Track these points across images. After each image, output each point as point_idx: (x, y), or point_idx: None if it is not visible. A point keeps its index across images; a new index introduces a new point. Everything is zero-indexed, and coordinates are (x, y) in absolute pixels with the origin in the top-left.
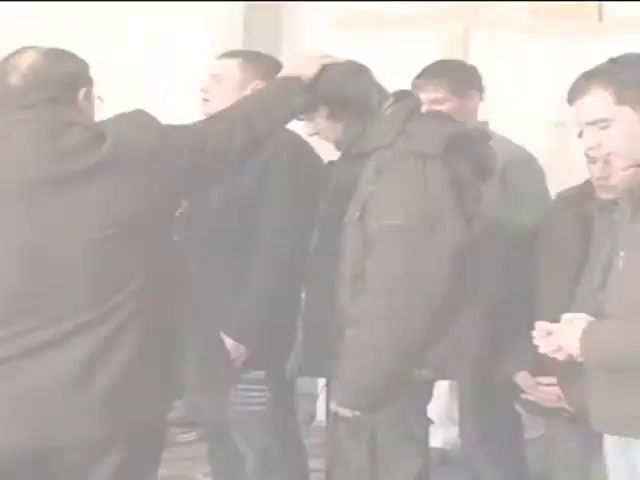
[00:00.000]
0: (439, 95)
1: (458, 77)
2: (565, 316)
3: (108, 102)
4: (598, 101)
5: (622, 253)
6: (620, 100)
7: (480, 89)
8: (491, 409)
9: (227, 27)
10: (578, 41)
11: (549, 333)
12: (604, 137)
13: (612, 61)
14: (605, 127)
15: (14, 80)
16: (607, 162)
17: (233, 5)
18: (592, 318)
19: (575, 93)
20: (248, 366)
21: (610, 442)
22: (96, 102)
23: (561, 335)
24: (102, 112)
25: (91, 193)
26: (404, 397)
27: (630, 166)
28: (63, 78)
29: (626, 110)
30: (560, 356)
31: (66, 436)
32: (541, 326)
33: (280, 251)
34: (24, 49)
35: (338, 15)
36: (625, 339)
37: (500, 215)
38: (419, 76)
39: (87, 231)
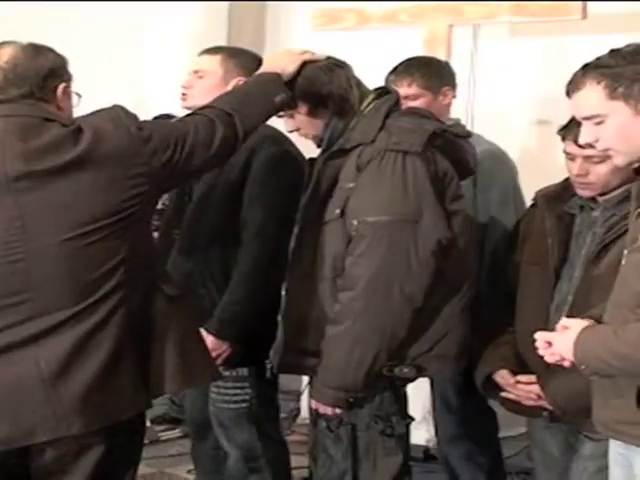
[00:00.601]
0: (412, 91)
1: (432, 73)
2: (562, 322)
3: (90, 98)
4: (592, 96)
5: (625, 251)
6: (613, 95)
7: (454, 85)
8: (467, 407)
9: (211, 26)
10: (561, 39)
11: (549, 343)
12: (600, 133)
13: (611, 53)
14: (600, 122)
15: None
16: (588, 159)
17: (217, 5)
18: (586, 323)
19: (572, 86)
20: (230, 363)
21: (613, 446)
22: (74, 98)
23: (559, 344)
24: (82, 108)
25: (68, 190)
26: (385, 394)
27: (630, 163)
28: (42, 73)
29: (619, 105)
30: (566, 364)
31: (46, 433)
32: (541, 337)
33: (263, 246)
34: (2, 44)
35: (321, 12)
36: (612, 346)
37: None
38: (393, 72)
39: (63, 228)
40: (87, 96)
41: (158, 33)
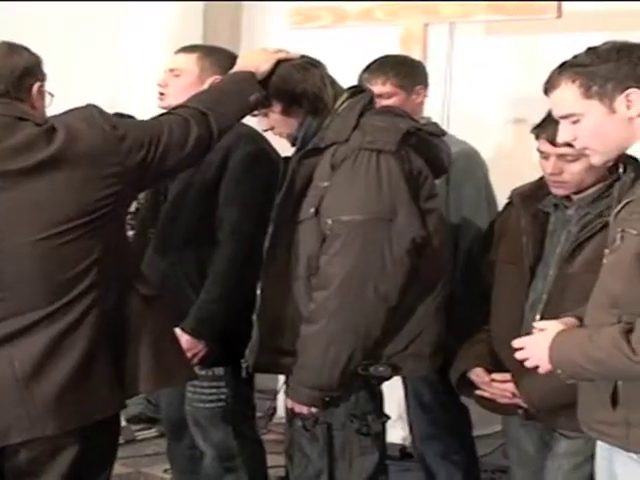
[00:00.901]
0: (386, 89)
1: (405, 72)
2: (536, 324)
3: (65, 98)
4: (567, 95)
5: (606, 251)
6: (588, 94)
7: (426, 84)
8: (440, 405)
9: (187, 26)
10: (537, 37)
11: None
12: (578, 131)
13: (587, 51)
14: (576, 121)
15: None
16: (562, 157)
17: (192, 4)
18: (561, 326)
19: (549, 85)
20: (206, 363)
21: (599, 451)
22: (47, 97)
23: (533, 349)
24: (57, 108)
25: (41, 189)
26: (360, 393)
27: (606, 162)
28: (17, 72)
29: (594, 104)
30: (542, 370)
31: (20, 434)
32: (516, 343)
33: (238, 245)
34: None
35: (297, 10)
36: (587, 351)
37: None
38: (366, 70)
39: (37, 228)
40: (62, 96)
41: (134, 33)
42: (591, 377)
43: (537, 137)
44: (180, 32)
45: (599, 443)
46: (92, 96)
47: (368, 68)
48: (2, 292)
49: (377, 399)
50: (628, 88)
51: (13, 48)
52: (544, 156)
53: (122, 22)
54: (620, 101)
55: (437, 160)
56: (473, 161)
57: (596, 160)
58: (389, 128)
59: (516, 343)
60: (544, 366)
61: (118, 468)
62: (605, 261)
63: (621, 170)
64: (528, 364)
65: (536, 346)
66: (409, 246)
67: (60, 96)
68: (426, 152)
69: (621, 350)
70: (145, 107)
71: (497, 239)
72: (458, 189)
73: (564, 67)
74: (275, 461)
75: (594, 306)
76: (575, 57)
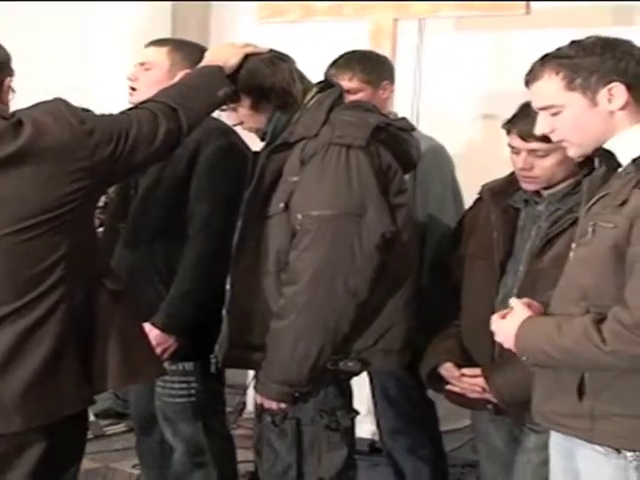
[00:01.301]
0: (353, 85)
1: (372, 67)
2: (511, 302)
3: (34, 98)
4: (550, 86)
5: (573, 245)
6: (570, 86)
7: (392, 80)
8: (406, 400)
9: (155, 25)
10: (506, 34)
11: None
12: (557, 123)
13: (571, 44)
14: (557, 113)
15: None
16: (533, 152)
17: (160, 4)
18: (529, 312)
19: (530, 76)
20: (176, 358)
21: (553, 436)
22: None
23: (500, 331)
24: (26, 100)
25: (7, 184)
26: (329, 388)
27: (583, 155)
28: None
29: (576, 97)
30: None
31: None
32: (493, 319)
33: (208, 240)
34: None
35: (266, 5)
36: (555, 339)
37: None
38: (333, 65)
39: (1, 224)
40: (30, 95)
41: (102, 33)
42: (556, 365)
43: (508, 132)
44: (148, 32)
45: (553, 437)
46: (59, 95)
47: (334, 63)
48: None
49: (346, 394)
50: (611, 82)
51: None
52: (515, 151)
53: (90, 22)
54: (603, 94)
55: (406, 155)
56: (440, 157)
57: (573, 152)
58: (358, 123)
59: (493, 320)
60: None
61: (86, 463)
62: (572, 254)
63: (596, 164)
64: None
65: (503, 332)
66: (379, 241)
67: (28, 97)
68: (395, 147)
69: (591, 339)
70: (113, 107)
71: (467, 234)
72: (425, 184)
73: (547, 59)
74: (244, 456)
75: (560, 299)
76: (558, 49)
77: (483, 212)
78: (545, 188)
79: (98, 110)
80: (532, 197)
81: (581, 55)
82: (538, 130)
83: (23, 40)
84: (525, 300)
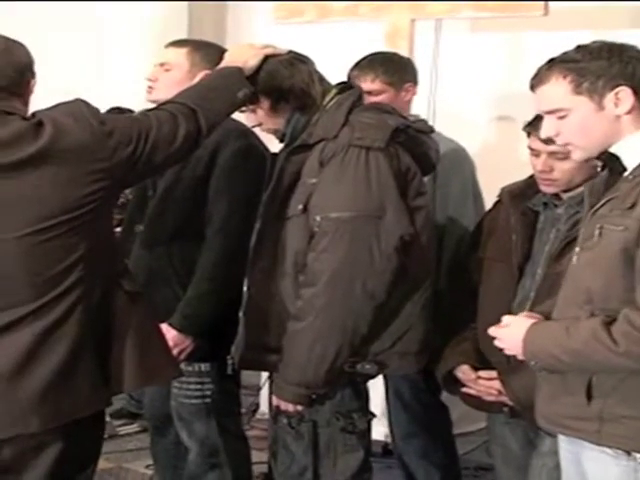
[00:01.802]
0: (376, 86)
1: (395, 69)
2: (505, 319)
3: (50, 100)
4: (557, 90)
5: (577, 249)
6: (578, 90)
7: (415, 82)
8: (420, 403)
9: (171, 26)
10: (523, 35)
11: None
12: (562, 127)
13: (578, 49)
14: (563, 117)
15: None
16: (553, 155)
17: (177, 4)
18: (532, 320)
19: (536, 80)
20: (192, 358)
21: (562, 443)
22: None
23: (507, 340)
24: (40, 102)
25: (27, 185)
26: (346, 391)
27: (588, 159)
28: (19, 67)
29: (583, 100)
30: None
31: (3, 431)
32: (491, 331)
33: (226, 241)
34: None
35: (282, 5)
36: (564, 342)
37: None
38: (355, 67)
39: (22, 224)
40: (45, 96)
41: (118, 34)
42: (565, 369)
43: (529, 135)
44: (164, 33)
45: (562, 439)
46: (74, 96)
47: (357, 65)
48: None
49: (363, 397)
50: (618, 86)
51: (14, 43)
52: (535, 154)
53: (106, 23)
54: (609, 98)
55: (425, 157)
56: (460, 159)
57: (577, 156)
58: (378, 125)
59: (491, 331)
60: (519, 357)
61: (100, 463)
62: (576, 258)
63: (599, 169)
64: (506, 352)
65: (510, 338)
66: (397, 243)
67: (44, 98)
68: (415, 149)
69: (601, 341)
70: (132, 105)
71: (486, 237)
72: (445, 187)
73: (554, 63)
74: (258, 457)
75: (564, 302)
76: (564, 54)
77: (502, 215)
78: (564, 191)
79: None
80: (551, 200)
81: (588, 59)
82: (544, 134)
83: (38, 41)
84: (524, 313)
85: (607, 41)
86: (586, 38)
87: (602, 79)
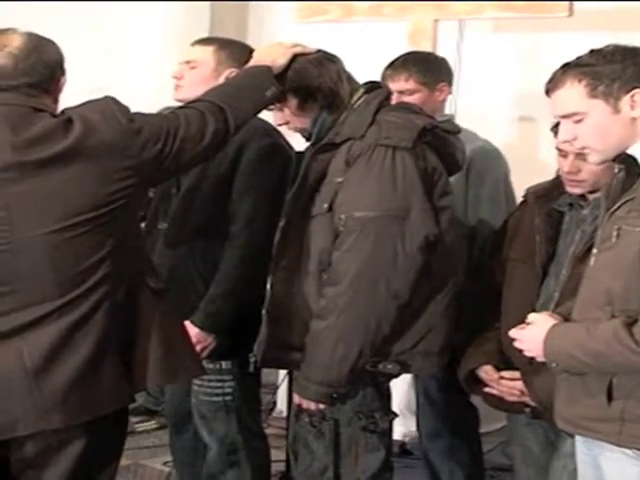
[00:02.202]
0: (409, 86)
1: (429, 69)
2: (530, 316)
3: (71, 100)
4: (572, 94)
5: (595, 250)
6: (593, 94)
7: (450, 82)
8: (449, 403)
9: (193, 26)
10: (546, 35)
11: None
12: (579, 131)
13: (591, 53)
14: (579, 120)
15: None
16: (580, 156)
17: (198, 5)
18: (553, 320)
19: (552, 85)
20: (214, 356)
21: (579, 446)
22: None
23: (527, 341)
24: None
25: (56, 181)
26: (368, 390)
27: (604, 161)
28: (51, 64)
29: (599, 104)
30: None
31: (27, 427)
32: (512, 333)
33: (250, 239)
34: (6, 30)
35: (305, 4)
36: (585, 343)
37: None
38: (389, 66)
39: (50, 220)
40: (68, 97)
41: (139, 34)
42: (586, 370)
43: (556, 135)
44: (186, 32)
45: (579, 442)
46: (101, 90)
47: (391, 64)
48: (13, 283)
49: (384, 396)
50: (634, 89)
51: (46, 40)
52: (562, 154)
53: (129, 23)
54: (625, 101)
55: (452, 158)
56: (493, 159)
57: (594, 159)
58: (405, 125)
59: (512, 333)
60: (539, 359)
61: None
62: (594, 259)
63: (616, 170)
64: (527, 354)
65: (530, 339)
66: (421, 243)
67: (67, 98)
68: (441, 149)
69: (622, 342)
70: (151, 107)
71: (510, 237)
72: (477, 187)
73: (568, 67)
74: (275, 456)
75: (583, 304)
76: (579, 58)
77: (527, 215)
78: (590, 192)
79: (133, 109)
80: (577, 201)
81: (602, 63)
82: (561, 137)
83: (58, 40)
84: (545, 313)
85: (621, 44)
86: (608, 39)
87: (617, 82)
